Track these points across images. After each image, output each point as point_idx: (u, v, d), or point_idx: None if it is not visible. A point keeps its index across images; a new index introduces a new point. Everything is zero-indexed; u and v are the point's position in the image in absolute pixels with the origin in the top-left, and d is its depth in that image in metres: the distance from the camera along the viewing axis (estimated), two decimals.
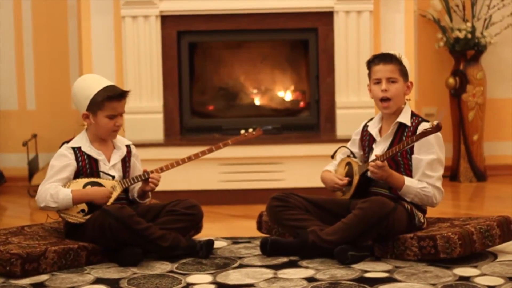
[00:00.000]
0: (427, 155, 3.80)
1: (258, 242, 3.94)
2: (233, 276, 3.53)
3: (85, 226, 3.80)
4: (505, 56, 6.34)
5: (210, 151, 4.05)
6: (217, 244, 4.04)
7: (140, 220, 3.73)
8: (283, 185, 5.32)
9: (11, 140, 6.33)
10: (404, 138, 3.84)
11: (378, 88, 3.89)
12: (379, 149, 3.89)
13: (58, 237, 3.93)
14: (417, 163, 3.82)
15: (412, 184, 3.79)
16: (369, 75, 3.96)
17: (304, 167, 5.38)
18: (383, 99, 3.88)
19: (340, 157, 4.11)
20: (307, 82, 5.88)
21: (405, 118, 3.88)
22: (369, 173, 3.84)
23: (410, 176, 3.83)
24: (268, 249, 3.80)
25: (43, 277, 3.54)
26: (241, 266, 3.69)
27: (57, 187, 3.80)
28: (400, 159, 3.84)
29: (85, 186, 3.84)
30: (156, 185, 3.95)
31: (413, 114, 3.90)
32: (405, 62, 3.93)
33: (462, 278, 3.40)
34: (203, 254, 3.80)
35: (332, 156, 4.13)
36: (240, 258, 3.82)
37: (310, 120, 5.81)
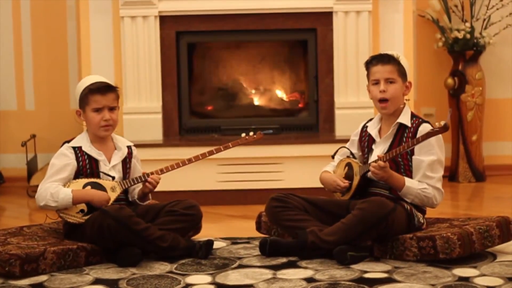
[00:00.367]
0: (427, 156, 3.80)
1: (257, 243, 3.94)
2: (232, 276, 3.53)
3: (84, 226, 3.80)
4: (504, 56, 6.34)
5: (211, 153, 4.05)
6: (216, 244, 4.03)
7: (139, 221, 3.73)
8: (282, 186, 5.32)
9: (10, 140, 6.33)
10: (405, 139, 3.83)
11: (376, 89, 3.89)
12: (379, 150, 3.89)
13: (57, 237, 3.93)
14: (418, 164, 3.82)
15: (412, 185, 3.79)
16: (368, 76, 3.96)
17: (303, 168, 5.37)
18: (381, 100, 3.88)
19: (339, 158, 4.10)
20: (306, 82, 5.88)
21: (405, 119, 3.88)
22: (370, 174, 3.84)
23: (410, 177, 3.83)
24: (267, 249, 3.80)
25: (42, 278, 3.54)
26: (240, 266, 3.69)
27: (58, 186, 3.81)
28: (400, 159, 3.84)
29: (85, 186, 3.84)
30: (154, 186, 3.95)
31: (413, 115, 3.90)
32: (404, 62, 3.92)
33: (461, 278, 3.40)
34: (202, 255, 3.80)
35: (333, 156, 4.12)
36: (239, 258, 3.82)
37: (309, 120, 5.81)
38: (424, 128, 3.80)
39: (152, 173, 3.95)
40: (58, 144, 4.00)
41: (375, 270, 3.55)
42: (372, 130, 3.98)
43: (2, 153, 6.37)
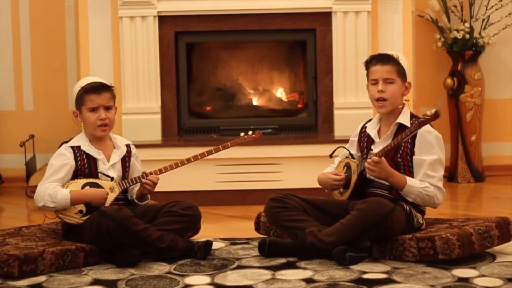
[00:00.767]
0: (428, 155, 3.80)
1: (256, 243, 3.93)
2: (231, 277, 3.52)
3: (83, 227, 3.79)
4: (503, 57, 6.34)
5: (210, 153, 4.04)
6: (215, 245, 4.03)
7: (138, 222, 3.73)
8: (281, 186, 5.31)
9: (8, 140, 6.32)
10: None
11: (375, 89, 3.90)
12: (378, 150, 3.89)
13: (56, 238, 3.93)
14: (419, 164, 3.81)
15: (414, 184, 3.79)
16: (367, 75, 3.96)
17: (302, 168, 5.37)
18: (379, 99, 3.88)
19: (339, 159, 4.10)
20: (305, 82, 5.88)
21: (404, 119, 3.88)
22: (366, 171, 3.83)
23: (411, 177, 3.82)
24: (266, 250, 3.80)
25: (41, 278, 3.53)
26: (239, 267, 3.68)
27: (56, 187, 3.80)
28: (400, 160, 3.84)
29: (83, 186, 3.84)
30: (152, 187, 3.94)
31: (412, 115, 3.90)
32: (404, 62, 3.92)
33: (460, 279, 3.40)
34: (201, 255, 3.79)
35: (331, 156, 4.11)
36: (238, 259, 3.81)
37: (308, 120, 5.81)
38: (424, 127, 3.79)
39: (150, 173, 3.94)
40: (57, 144, 4.00)
41: (374, 270, 3.54)
42: (371, 130, 3.98)
43: (1, 154, 6.37)
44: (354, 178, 3.93)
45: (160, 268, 3.66)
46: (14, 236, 3.89)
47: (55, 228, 4.08)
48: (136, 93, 5.63)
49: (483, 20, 6.13)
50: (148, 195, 4.03)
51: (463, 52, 6.07)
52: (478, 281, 3.36)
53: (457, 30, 6.03)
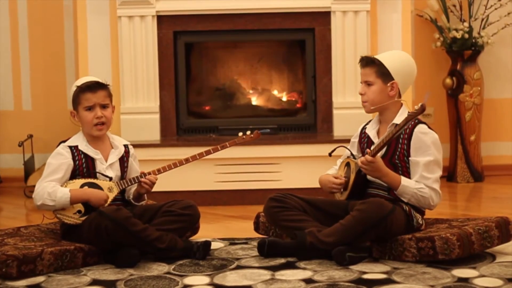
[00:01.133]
0: (424, 156, 3.80)
1: (255, 243, 3.93)
2: (230, 277, 3.51)
3: (82, 227, 3.78)
4: (502, 56, 6.34)
5: (208, 153, 4.04)
6: (214, 245, 4.02)
7: (136, 222, 3.72)
8: (280, 186, 5.30)
9: (6, 140, 6.32)
10: (401, 140, 3.83)
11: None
12: None
13: (55, 238, 3.92)
14: (414, 165, 3.81)
15: (409, 184, 3.78)
16: None
17: (301, 168, 5.36)
18: (362, 101, 3.93)
19: (340, 161, 4.10)
20: (304, 82, 5.87)
21: (401, 119, 3.85)
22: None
23: (408, 178, 3.82)
24: (266, 250, 3.79)
25: (40, 279, 3.53)
26: (239, 267, 3.68)
27: (55, 186, 3.80)
28: (398, 161, 3.83)
29: (82, 186, 3.83)
30: (150, 186, 3.94)
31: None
32: (391, 61, 3.90)
33: (460, 279, 3.39)
34: (200, 256, 3.79)
35: (330, 154, 4.10)
36: (237, 259, 3.81)
37: (307, 120, 5.80)
38: (420, 128, 3.80)
39: (149, 173, 3.94)
40: (55, 144, 3.99)
41: (374, 271, 3.54)
42: (371, 131, 3.98)
43: None
44: (352, 177, 3.93)
45: (159, 269, 3.65)
46: (13, 236, 3.88)
47: (53, 228, 4.07)
48: (134, 92, 5.63)
49: (482, 19, 6.13)
50: (145, 195, 4.02)
51: (462, 52, 6.07)
52: (478, 281, 3.36)
53: (456, 30, 6.03)
